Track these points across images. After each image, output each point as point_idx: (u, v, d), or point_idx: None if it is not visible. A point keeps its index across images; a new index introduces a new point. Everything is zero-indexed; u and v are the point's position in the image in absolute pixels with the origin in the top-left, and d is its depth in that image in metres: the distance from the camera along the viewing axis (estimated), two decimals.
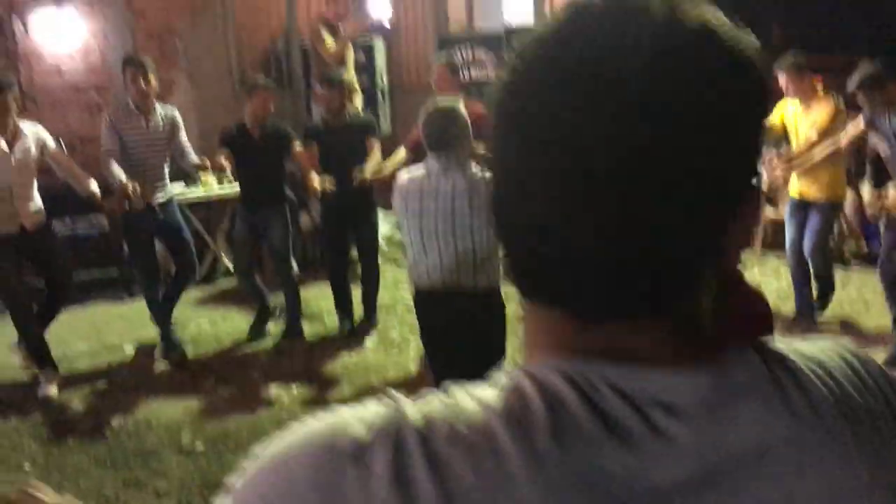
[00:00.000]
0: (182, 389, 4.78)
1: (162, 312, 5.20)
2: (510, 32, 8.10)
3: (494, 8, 9.73)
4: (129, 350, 5.40)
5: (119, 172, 4.71)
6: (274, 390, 4.70)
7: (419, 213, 3.22)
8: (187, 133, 7.39)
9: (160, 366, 5.15)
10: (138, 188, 4.68)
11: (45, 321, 4.94)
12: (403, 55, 9.05)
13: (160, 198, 5.05)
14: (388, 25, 7.01)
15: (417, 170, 3.32)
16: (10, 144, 4.54)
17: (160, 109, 5.02)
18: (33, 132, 4.71)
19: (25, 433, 4.27)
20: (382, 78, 7.74)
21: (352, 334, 5.47)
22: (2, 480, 3.73)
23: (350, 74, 6.75)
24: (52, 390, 4.66)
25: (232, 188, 6.03)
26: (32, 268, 4.97)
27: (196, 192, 6.58)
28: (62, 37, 7.09)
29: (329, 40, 6.51)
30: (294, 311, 5.47)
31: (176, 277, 5.30)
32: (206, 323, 5.84)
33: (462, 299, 3.26)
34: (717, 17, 0.58)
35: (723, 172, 0.57)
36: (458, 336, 3.28)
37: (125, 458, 3.99)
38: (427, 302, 3.35)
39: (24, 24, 6.96)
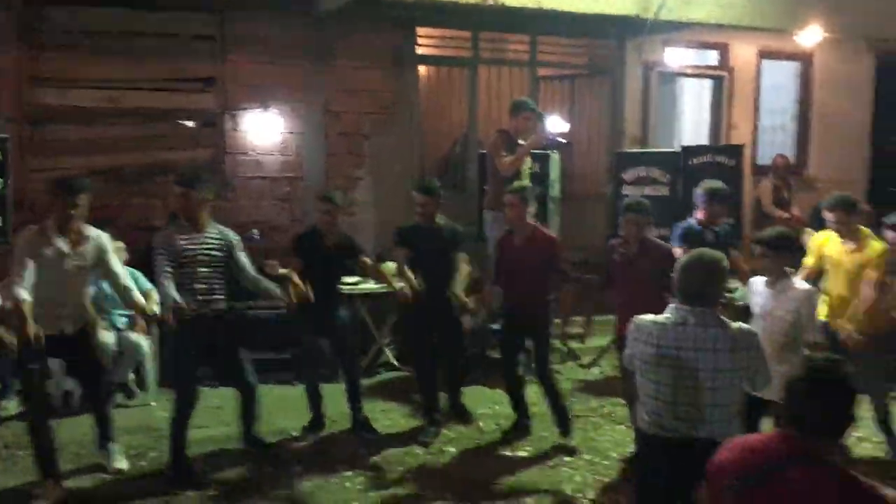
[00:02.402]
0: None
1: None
2: (686, 151, 8.12)
3: (670, 128, 9.81)
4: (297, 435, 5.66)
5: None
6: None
7: (662, 359, 3.17)
8: (367, 227, 7.89)
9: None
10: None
11: (100, 423, 4.99)
12: (577, 168, 9.25)
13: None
14: (563, 141, 7.18)
15: (662, 315, 3.26)
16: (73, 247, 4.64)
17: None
18: (96, 238, 4.77)
19: None
20: (555, 188, 7.90)
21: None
22: None
23: (524, 185, 6.92)
24: None
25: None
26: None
27: (368, 286, 6.90)
28: (264, 134, 7.77)
29: (506, 154, 6.75)
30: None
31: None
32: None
33: (699, 451, 3.06)
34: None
35: None
36: (684, 486, 3.08)
37: None
38: (658, 449, 3.25)
39: (234, 122, 7.70)
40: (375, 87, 8.14)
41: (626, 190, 7.91)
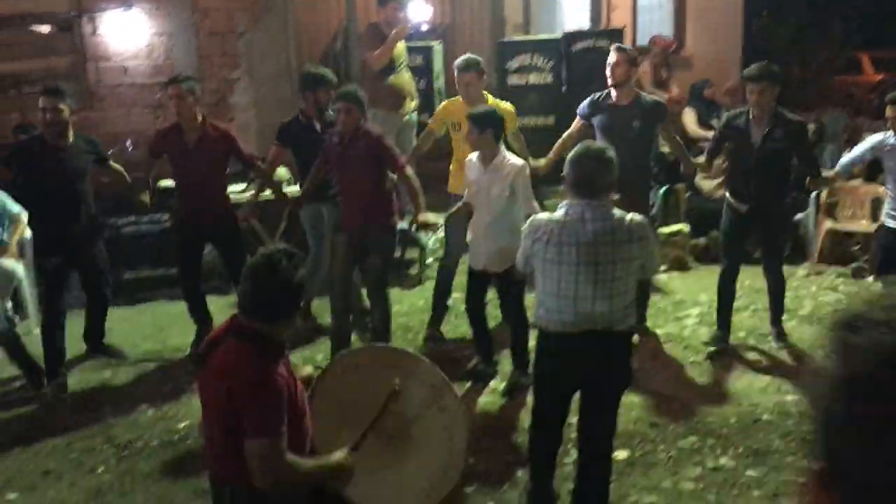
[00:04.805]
0: None
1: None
2: (567, 37, 8.07)
3: (551, 13, 9.71)
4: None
5: None
6: None
7: (563, 256, 3.16)
8: (247, 130, 7.58)
9: None
10: None
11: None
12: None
13: None
14: (424, 28, 6.93)
15: (556, 212, 3.25)
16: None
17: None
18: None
19: (99, 436, 4.43)
20: (440, 80, 7.77)
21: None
22: None
23: (402, 78, 6.78)
24: None
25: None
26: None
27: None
28: (128, 37, 7.25)
29: (376, 47, 6.58)
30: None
31: None
32: None
33: (600, 342, 3.23)
34: None
35: None
36: (585, 377, 3.26)
37: (195, 465, 4.11)
38: (561, 344, 3.29)
39: (93, 25, 7.13)
40: None
41: (511, 79, 7.84)
